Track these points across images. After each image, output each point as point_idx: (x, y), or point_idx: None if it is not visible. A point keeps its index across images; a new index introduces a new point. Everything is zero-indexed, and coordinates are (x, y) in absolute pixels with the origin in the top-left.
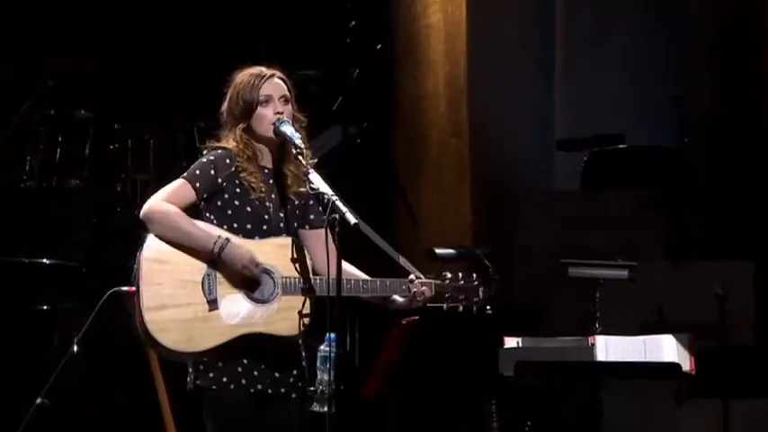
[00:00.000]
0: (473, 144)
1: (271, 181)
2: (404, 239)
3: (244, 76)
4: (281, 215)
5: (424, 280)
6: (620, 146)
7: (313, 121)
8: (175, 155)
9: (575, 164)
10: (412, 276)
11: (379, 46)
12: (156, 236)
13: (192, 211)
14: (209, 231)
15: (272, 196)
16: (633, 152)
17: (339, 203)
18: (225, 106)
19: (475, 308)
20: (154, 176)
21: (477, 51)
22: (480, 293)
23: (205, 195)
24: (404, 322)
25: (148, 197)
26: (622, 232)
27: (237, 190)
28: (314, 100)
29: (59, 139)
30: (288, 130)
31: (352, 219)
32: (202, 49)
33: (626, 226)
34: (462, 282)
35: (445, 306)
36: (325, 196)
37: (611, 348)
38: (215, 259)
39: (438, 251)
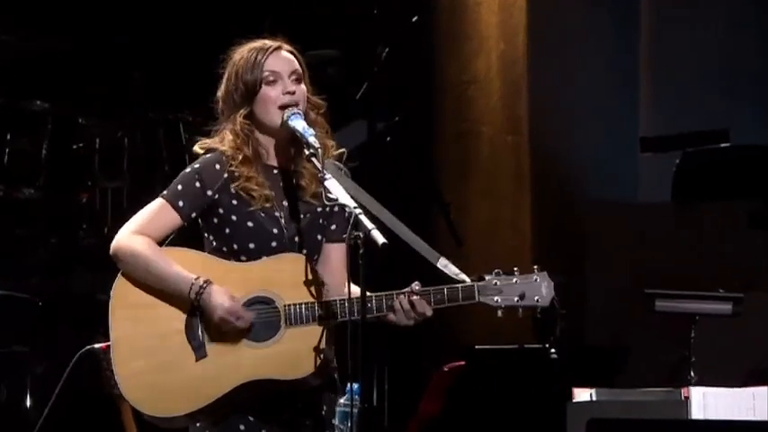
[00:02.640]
0: (534, 143)
1: (281, 183)
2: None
3: (243, 51)
4: (296, 226)
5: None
6: (723, 145)
7: (330, 113)
8: (156, 157)
9: (663, 169)
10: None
11: (416, 18)
12: (127, 276)
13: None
14: (182, 275)
15: (283, 203)
16: (738, 153)
17: (364, 219)
18: (220, 91)
19: (538, 310)
20: (128, 184)
21: (540, 25)
22: (543, 290)
23: (194, 215)
24: (446, 369)
25: (122, 210)
26: (724, 255)
27: (234, 202)
28: (331, 87)
29: (8, 136)
30: (298, 124)
31: (380, 238)
32: (190, 23)
33: (729, 247)
34: (516, 279)
35: (499, 312)
36: (346, 209)
37: (710, 403)
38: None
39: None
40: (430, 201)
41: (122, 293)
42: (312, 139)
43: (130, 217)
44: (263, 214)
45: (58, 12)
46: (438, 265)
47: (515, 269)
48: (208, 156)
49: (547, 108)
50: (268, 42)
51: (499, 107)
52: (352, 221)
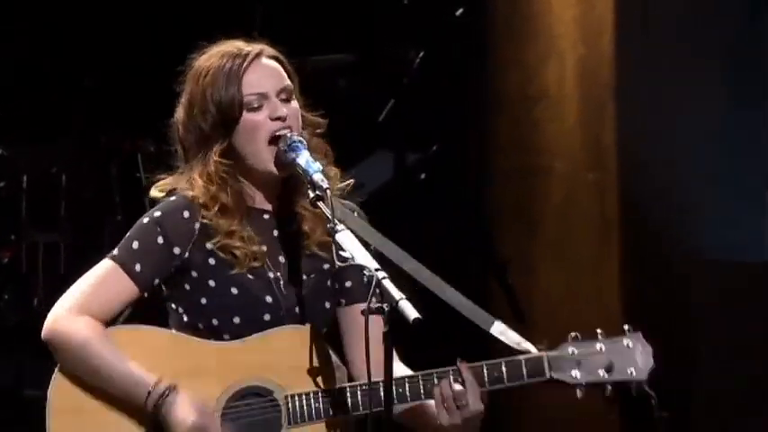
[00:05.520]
0: (624, 182)
1: (275, 232)
2: (501, 342)
3: (212, 58)
4: (297, 290)
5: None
6: None
7: (343, 141)
8: (105, 201)
9: None
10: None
11: (460, 11)
12: (65, 371)
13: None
14: (136, 377)
15: (279, 259)
16: None
17: (389, 285)
18: (179, 115)
19: (633, 386)
20: (67, 237)
21: (633, 21)
22: (639, 358)
23: (156, 282)
24: None
25: (57, 275)
26: None
27: (211, 261)
28: (344, 104)
29: None
30: (301, 157)
31: (411, 311)
32: (159, 18)
33: None
34: (600, 345)
35: (579, 392)
36: (366, 272)
37: None
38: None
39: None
40: (480, 260)
41: (61, 394)
42: (318, 177)
43: (70, 284)
44: (250, 277)
45: None
46: (492, 332)
47: (599, 331)
48: (171, 199)
49: (642, 135)
50: (243, 46)
51: (577, 133)
52: (372, 289)
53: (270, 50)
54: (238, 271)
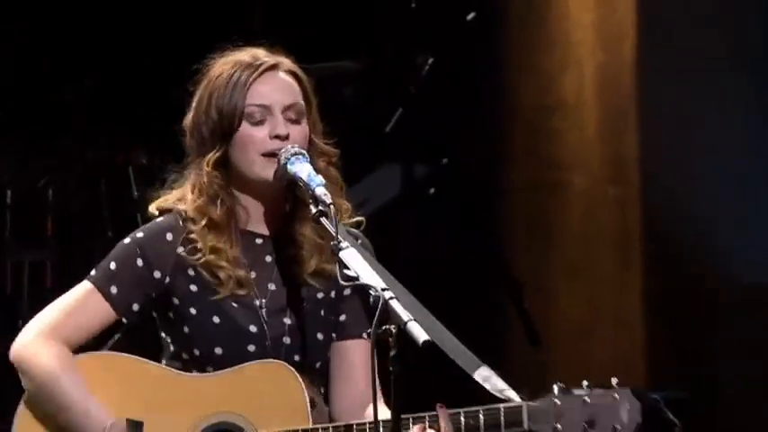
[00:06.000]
0: (647, 198)
1: (267, 258)
2: (517, 369)
3: (224, 65)
4: (286, 320)
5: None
6: None
7: (347, 153)
8: (95, 217)
9: None
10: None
11: (472, 15)
12: (30, 404)
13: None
14: (92, 415)
15: (269, 287)
16: None
17: (397, 305)
18: (187, 119)
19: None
20: (55, 256)
21: (656, 25)
22: (624, 415)
23: (136, 307)
24: None
25: (44, 295)
26: None
27: (193, 288)
28: (349, 114)
29: None
30: (302, 170)
31: (420, 333)
32: (156, 21)
33: None
34: (586, 396)
35: None
36: (372, 292)
37: None
38: None
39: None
40: (493, 281)
41: (27, 419)
42: (321, 192)
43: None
44: (234, 305)
45: None
46: (476, 377)
47: (585, 383)
48: (157, 220)
49: (665, 146)
50: (260, 56)
51: (596, 145)
52: (379, 309)
53: (289, 65)
54: (222, 296)
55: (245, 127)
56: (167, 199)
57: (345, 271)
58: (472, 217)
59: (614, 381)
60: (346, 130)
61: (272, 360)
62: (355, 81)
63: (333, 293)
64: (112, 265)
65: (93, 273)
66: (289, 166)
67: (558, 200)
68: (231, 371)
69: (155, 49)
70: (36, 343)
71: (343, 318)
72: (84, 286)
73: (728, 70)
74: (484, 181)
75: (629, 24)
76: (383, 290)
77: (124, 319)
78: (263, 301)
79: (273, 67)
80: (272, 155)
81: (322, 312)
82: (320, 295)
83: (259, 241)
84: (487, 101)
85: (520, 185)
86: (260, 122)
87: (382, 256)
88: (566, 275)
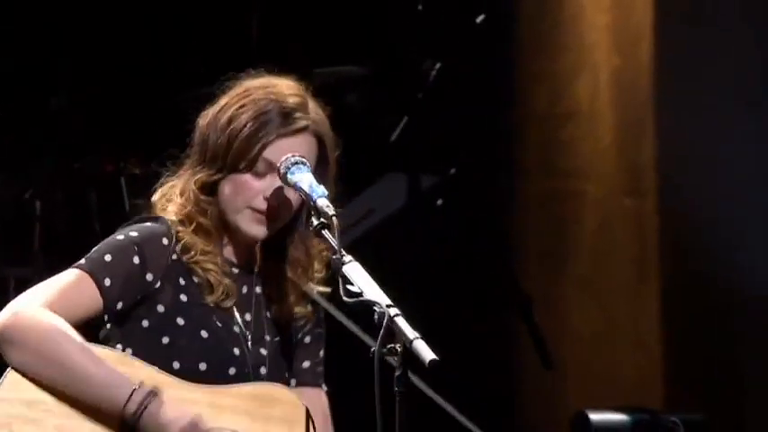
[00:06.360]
0: (665, 209)
1: (245, 288)
2: (527, 392)
3: (265, 88)
4: (263, 351)
5: None
6: None
7: (350, 162)
8: (83, 230)
9: None
10: None
11: (481, 17)
12: (20, 370)
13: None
14: (114, 376)
15: (246, 317)
16: None
17: (403, 323)
18: (206, 118)
19: None
20: (41, 272)
21: (676, 28)
22: None
23: (120, 305)
24: None
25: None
26: None
27: (182, 298)
28: (353, 121)
29: None
30: (303, 179)
31: (426, 352)
32: (146, 23)
33: None
34: None
35: None
36: (377, 310)
37: None
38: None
39: (595, 418)
40: (503, 296)
41: (14, 393)
42: (323, 203)
43: None
44: (219, 324)
45: None
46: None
47: None
48: (147, 224)
49: (684, 155)
50: (297, 107)
51: (612, 154)
52: (384, 327)
53: (319, 128)
54: (210, 302)
55: (245, 173)
56: (150, 206)
57: (348, 287)
58: (481, 229)
59: None
60: (350, 139)
61: (288, 392)
62: (359, 87)
63: (300, 335)
64: (107, 257)
65: (83, 262)
66: (289, 176)
67: (572, 211)
68: (236, 387)
69: (148, 56)
70: (27, 310)
71: (306, 365)
72: (75, 272)
73: (753, 73)
74: (493, 192)
75: (647, 26)
76: (388, 306)
77: (104, 316)
78: (244, 329)
79: (303, 129)
80: (258, 212)
81: (293, 352)
82: (292, 335)
83: (235, 271)
84: (497, 107)
85: (531, 196)
86: (261, 175)
87: (387, 269)
88: (579, 290)
